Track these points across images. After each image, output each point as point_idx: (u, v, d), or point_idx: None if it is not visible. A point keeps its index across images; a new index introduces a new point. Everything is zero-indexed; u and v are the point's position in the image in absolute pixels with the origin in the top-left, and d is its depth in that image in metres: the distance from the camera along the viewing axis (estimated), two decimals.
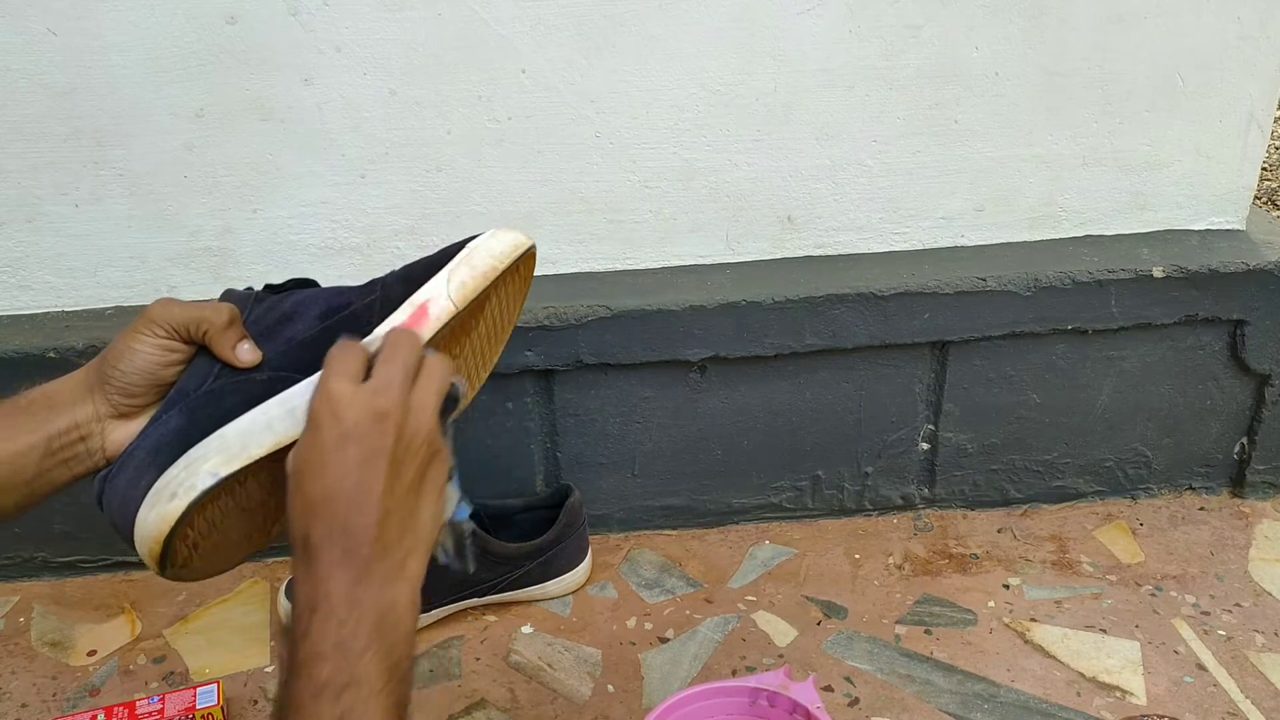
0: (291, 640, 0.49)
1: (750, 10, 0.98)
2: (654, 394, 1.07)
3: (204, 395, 0.57)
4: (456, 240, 0.63)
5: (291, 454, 0.51)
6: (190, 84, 0.97)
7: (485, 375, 0.69)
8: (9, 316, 1.05)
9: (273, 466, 0.55)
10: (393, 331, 0.55)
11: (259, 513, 0.58)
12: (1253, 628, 0.98)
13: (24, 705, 0.94)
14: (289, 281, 0.63)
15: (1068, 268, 1.04)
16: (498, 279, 0.62)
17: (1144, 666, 0.93)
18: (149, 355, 0.57)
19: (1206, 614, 1.00)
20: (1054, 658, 0.95)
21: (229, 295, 0.61)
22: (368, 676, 0.48)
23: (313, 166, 1.01)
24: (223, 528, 0.56)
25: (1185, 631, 0.98)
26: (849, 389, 1.09)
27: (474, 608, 1.03)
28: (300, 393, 0.56)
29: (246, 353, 0.58)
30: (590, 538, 1.08)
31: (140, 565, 1.11)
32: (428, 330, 0.59)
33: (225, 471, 0.54)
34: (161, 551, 0.54)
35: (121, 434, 0.58)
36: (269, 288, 0.62)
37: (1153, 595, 1.02)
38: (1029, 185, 1.08)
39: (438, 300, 0.60)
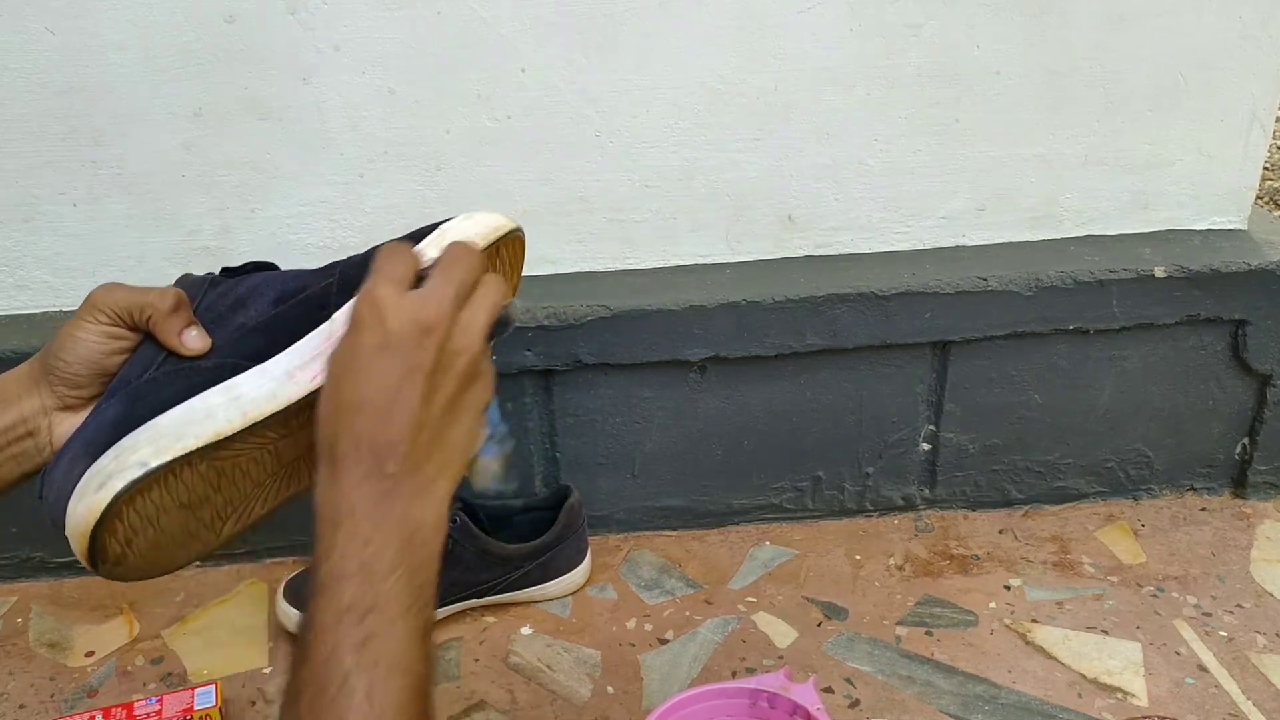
0: (314, 557, 0.47)
1: (751, 9, 0.97)
2: (654, 394, 1.07)
3: (145, 383, 0.54)
4: (430, 222, 0.59)
5: (330, 356, 0.50)
6: (188, 83, 0.96)
7: None
8: (7, 316, 1.05)
9: (216, 460, 0.52)
10: (451, 245, 0.53)
11: (203, 509, 0.54)
12: (1254, 629, 0.97)
13: (21, 706, 0.94)
14: (246, 265, 0.60)
15: (1069, 267, 1.04)
16: None
17: (1145, 668, 0.93)
18: (93, 344, 0.55)
19: (1208, 615, 1.00)
20: (1055, 659, 0.95)
21: (184, 280, 0.58)
22: (393, 599, 0.46)
23: (311, 166, 1.01)
24: (159, 524, 0.53)
25: (1187, 632, 0.97)
26: (850, 389, 1.08)
27: (473, 609, 1.03)
28: (247, 381, 0.53)
29: (193, 340, 0.55)
30: (590, 538, 1.08)
31: None
32: None
33: (156, 462, 0.50)
34: (89, 545, 0.51)
35: (68, 426, 0.55)
36: (225, 271, 0.59)
37: (1154, 596, 1.02)
38: (1030, 185, 1.08)
39: None
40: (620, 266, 1.09)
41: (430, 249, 0.55)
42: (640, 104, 1.01)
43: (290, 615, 1.00)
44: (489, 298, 0.52)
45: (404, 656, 0.46)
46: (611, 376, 1.05)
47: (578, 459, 1.10)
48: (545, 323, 1.01)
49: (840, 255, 1.09)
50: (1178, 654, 0.95)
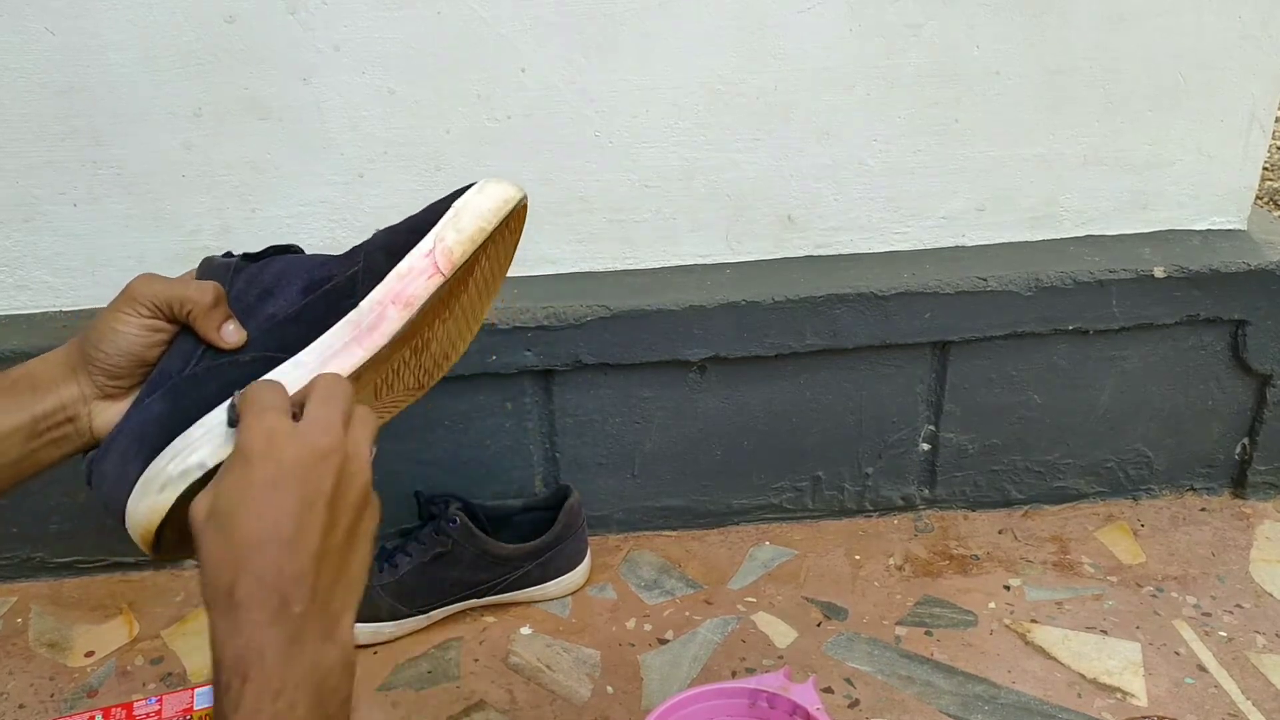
0: (219, 708, 0.44)
1: (751, 9, 0.97)
2: (654, 394, 1.07)
3: (187, 379, 0.55)
4: (440, 197, 0.59)
5: (208, 494, 0.47)
6: (188, 83, 0.96)
7: (475, 331, 0.66)
8: (7, 316, 1.05)
9: None
10: (322, 375, 0.52)
11: None
12: (1254, 629, 0.97)
13: (21, 706, 0.94)
14: (268, 249, 0.60)
15: (1069, 268, 1.04)
16: (486, 240, 0.58)
17: (1145, 668, 0.93)
18: (133, 336, 0.55)
19: (1208, 615, 1.00)
20: (1055, 659, 0.95)
21: (208, 264, 0.59)
22: None
23: (311, 166, 1.01)
24: None
25: (1186, 632, 0.97)
26: (849, 389, 1.08)
27: (473, 609, 1.03)
28: (284, 374, 0.54)
29: (231, 334, 0.56)
30: (589, 539, 1.08)
31: (139, 566, 1.11)
32: (416, 302, 0.56)
33: (213, 463, 0.52)
34: (154, 540, 0.53)
35: (109, 414, 0.56)
36: (246, 256, 0.60)
37: (1154, 596, 1.02)
38: (1030, 185, 1.08)
39: (424, 270, 0.56)
40: (620, 266, 1.09)
41: (292, 378, 0.54)
42: (640, 104, 1.01)
43: None
44: (370, 423, 0.51)
45: None
46: (611, 376, 1.05)
47: (577, 459, 1.10)
48: (545, 323, 1.01)
49: (840, 255, 1.09)
50: (1177, 654, 0.95)
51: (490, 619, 1.03)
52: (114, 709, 0.87)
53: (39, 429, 0.55)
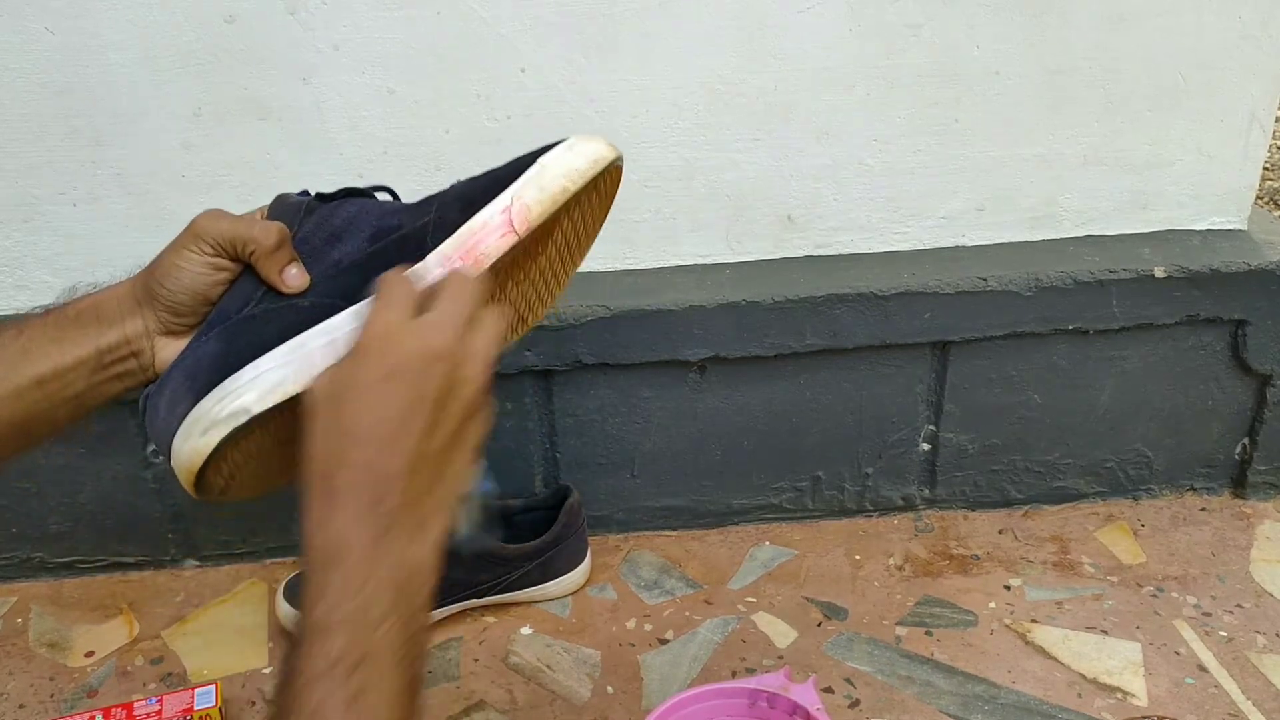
0: (306, 596, 0.45)
1: (750, 9, 0.97)
2: (654, 394, 1.07)
3: (243, 320, 0.54)
4: (529, 151, 0.56)
5: (321, 381, 0.48)
6: (188, 83, 0.96)
7: (556, 296, 0.64)
8: (7, 316, 1.05)
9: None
10: (454, 272, 0.51)
11: (299, 443, 0.56)
12: (1254, 629, 0.97)
13: (21, 706, 0.94)
14: (341, 191, 0.59)
15: (1069, 267, 1.04)
16: (570, 201, 0.55)
17: (1145, 668, 0.93)
18: (197, 274, 0.55)
19: (1208, 615, 1.00)
20: (1055, 659, 0.95)
21: (281, 202, 0.58)
22: (385, 651, 0.44)
23: (311, 166, 1.01)
24: (260, 458, 0.55)
25: (1186, 632, 0.97)
26: (849, 389, 1.08)
27: (473, 609, 1.03)
28: (341, 324, 0.53)
29: (294, 278, 0.55)
30: (590, 539, 1.08)
31: (139, 566, 1.11)
32: (486, 261, 0.54)
33: (260, 409, 0.51)
34: (196, 481, 0.53)
35: (171, 351, 0.56)
36: (320, 196, 0.58)
37: (1154, 596, 1.02)
38: (1030, 185, 1.08)
39: (498, 228, 0.54)
40: (620, 266, 1.09)
41: (427, 274, 0.52)
42: (640, 104, 1.01)
43: (290, 615, 1.00)
44: (495, 328, 0.50)
45: (393, 713, 0.44)
46: (611, 376, 1.05)
47: (577, 459, 1.10)
48: (545, 323, 1.01)
49: (840, 255, 1.09)
50: (1177, 654, 0.95)
51: (490, 619, 1.03)
52: (114, 709, 0.88)
53: (104, 361, 0.55)
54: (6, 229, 1.01)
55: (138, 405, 0.56)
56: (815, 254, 1.10)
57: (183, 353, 0.55)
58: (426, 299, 0.50)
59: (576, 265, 0.63)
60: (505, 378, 1.04)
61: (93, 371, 0.55)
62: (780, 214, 1.07)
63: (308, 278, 0.55)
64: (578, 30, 0.97)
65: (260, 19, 0.94)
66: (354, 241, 0.56)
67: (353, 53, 0.96)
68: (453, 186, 0.57)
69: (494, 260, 0.55)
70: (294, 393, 0.52)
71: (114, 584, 1.10)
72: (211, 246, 0.55)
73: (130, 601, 1.07)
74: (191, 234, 0.55)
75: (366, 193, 0.59)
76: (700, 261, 1.09)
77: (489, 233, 0.55)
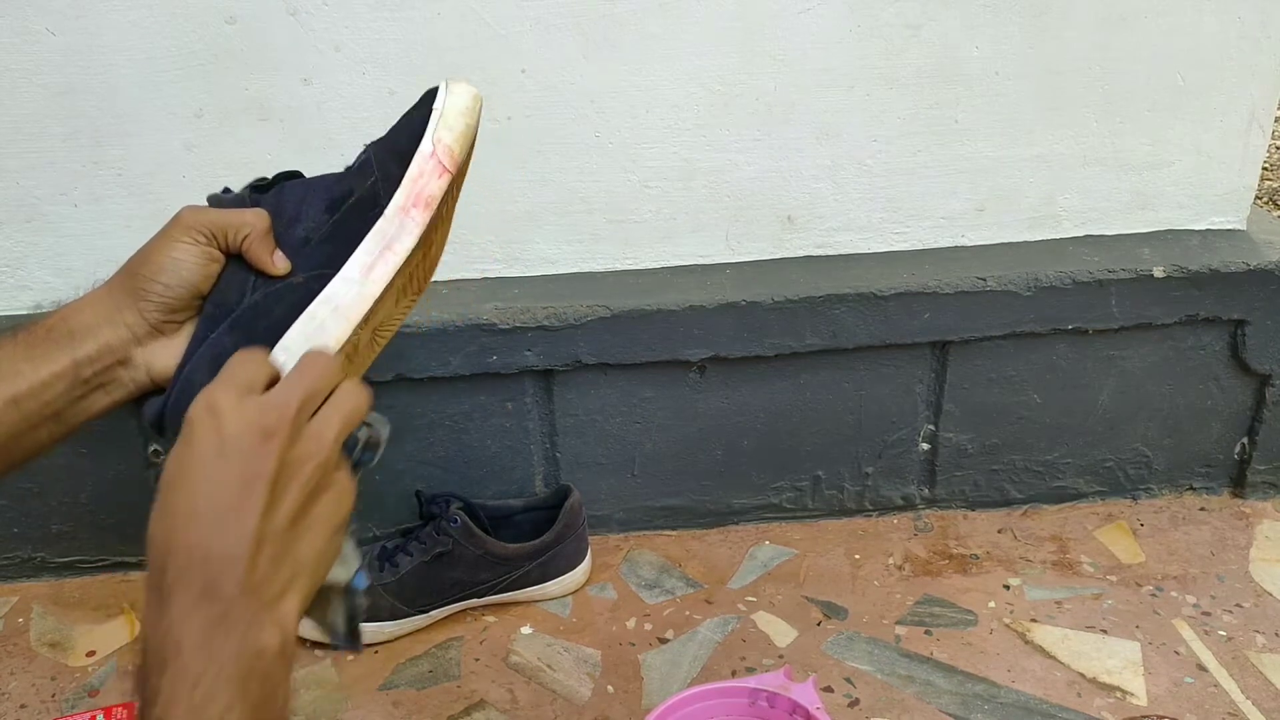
0: (140, 701, 0.42)
1: (750, 9, 0.97)
2: (654, 394, 1.07)
3: (250, 308, 0.55)
4: (413, 105, 0.61)
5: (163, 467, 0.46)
6: (189, 84, 0.96)
7: (449, 231, 0.67)
8: (8, 316, 1.05)
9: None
10: (307, 354, 0.50)
11: None
12: (1253, 628, 0.97)
13: (23, 706, 0.94)
14: (275, 177, 0.60)
15: (1068, 268, 1.04)
16: (474, 133, 0.61)
17: (1144, 667, 0.93)
18: (193, 265, 0.54)
19: (1207, 614, 1.00)
20: (1054, 658, 0.95)
21: (217, 200, 0.59)
22: None
23: (312, 166, 0.99)
24: None
25: (1186, 632, 0.97)
26: (849, 389, 1.09)
27: (473, 608, 1.03)
28: (339, 289, 0.56)
29: (281, 260, 0.55)
30: (590, 538, 1.08)
31: (140, 566, 1.11)
32: (434, 202, 0.58)
33: None
34: None
35: (166, 354, 0.54)
36: (254, 188, 0.60)
37: (1153, 596, 1.02)
38: (1029, 185, 1.08)
39: (433, 170, 0.58)
40: (620, 266, 1.09)
41: (287, 355, 0.54)
42: (640, 104, 1.01)
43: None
44: (344, 405, 0.48)
45: None
46: (611, 376, 1.06)
47: (578, 459, 1.10)
48: (545, 323, 1.01)
49: (840, 255, 1.09)
50: (1177, 653, 0.95)
51: (491, 618, 1.03)
52: (115, 709, 0.88)
53: (83, 375, 0.53)
54: (8, 229, 1.02)
55: (146, 421, 0.55)
56: (815, 254, 1.10)
57: (194, 352, 0.55)
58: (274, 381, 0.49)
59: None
60: (505, 377, 1.04)
61: (71, 386, 0.53)
62: (780, 214, 1.07)
63: (288, 260, 0.56)
64: (578, 30, 0.97)
65: (261, 20, 0.94)
66: (312, 217, 0.58)
67: (353, 53, 0.96)
68: (372, 149, 0.60)
69: (438, 200, 0.58)
70: None
71: (115, 584, 1.10)
72: (205, 236, 0.54)
73: (131, 601, 1.07)
74: (181, 226, 0.54)
75: (293, 174, 0.61)
76: (700, 261, 1.09)
77: (428, 176, 0.58)
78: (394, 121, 0.61)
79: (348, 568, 0.52)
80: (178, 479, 0.45)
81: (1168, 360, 1.09)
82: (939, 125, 1.04)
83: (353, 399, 0.49)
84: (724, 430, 1.09)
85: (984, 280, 1.03)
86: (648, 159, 1.03)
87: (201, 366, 0.54)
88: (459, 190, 0.63)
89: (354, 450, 0.51)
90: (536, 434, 1.08)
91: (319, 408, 0.48)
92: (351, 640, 0.54)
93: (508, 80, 0.99)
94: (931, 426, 1.12)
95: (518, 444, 1.08)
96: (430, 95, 0.61)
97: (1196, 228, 1.12)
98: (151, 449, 1.06)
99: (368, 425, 0.52)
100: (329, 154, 1.00)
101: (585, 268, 1.09)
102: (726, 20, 0.98)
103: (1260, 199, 2.12)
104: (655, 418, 1.08)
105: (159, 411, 0.55)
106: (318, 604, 0.51)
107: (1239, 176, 1.09)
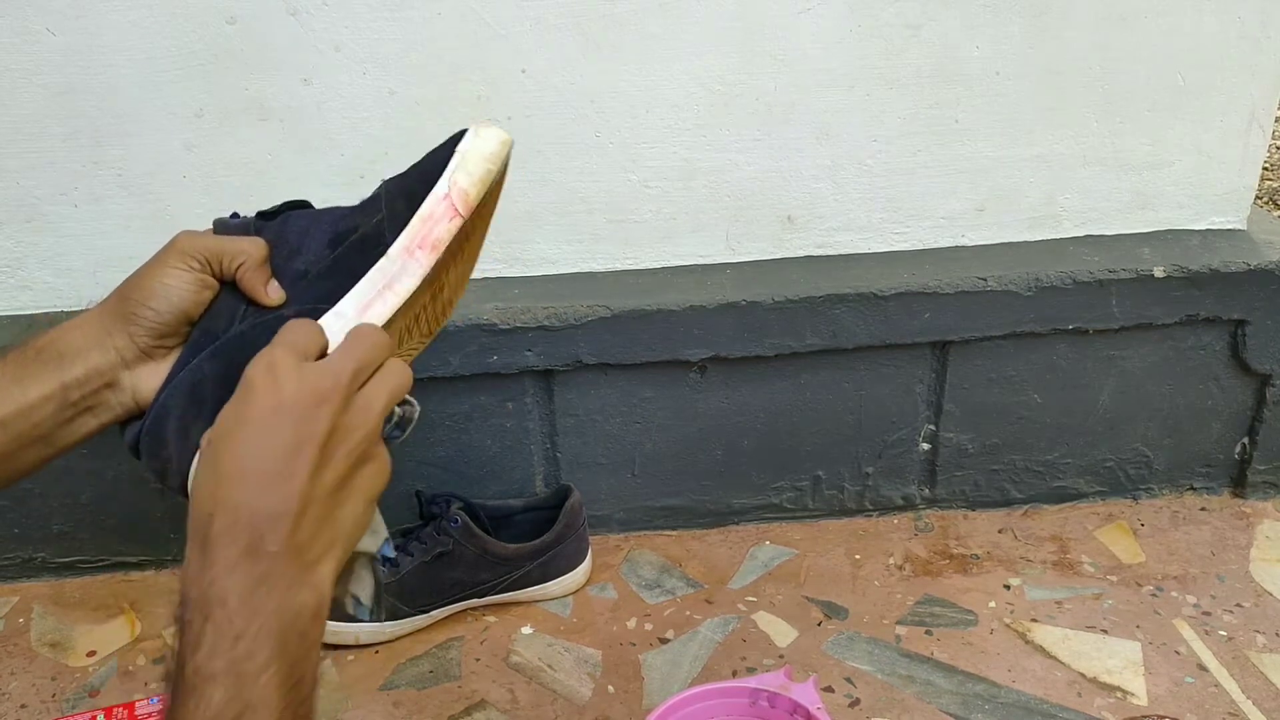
0: (180, 644, 0.43)
1: (750, 10, 0.97)
2: (654, 394, 1.07)
3: (235, 338, 0.55)
4: (439, 145, 0.60)
5: (216, 420, 0.47)
6: (189, 84, 0.96)
7: (470, 275, 0.67)
8: (8, 317, 1.05)
9: None
10: (358, 325, 0.52)
11: None
12: (1254, 628, 0.97)
13: (23, 706, 0.94)
14: (282, 205, 0.60)
15: (1069, 268, 1.04)
16: (496, 180, 0.60)
17: (1145, 667, 0.93)
18: (186, 292, 0.54)
19: (1208, 614, 1.00)
20: (1055, 658, 0.95)
21: (222, 225, 0.59)
22: (265, 701, 0.42)
23: (312, 166, 1.01)
24: None
25: (1186, 632, 0.97)
26: (849, 389, 1.09)
27: (474, 608, 1.03)
28: (329, 324, 0.55)
29: (275, 290, 0.55)
30: (590, 538, 1.08)
31: (140, 566, 1.11)
32: (441, 245, 0.57)
33: None
34: None
35: (153, 379, 0.54)
36: (261, 215, 0.59)
37: (1154, 595, 1.02)
38: (1030, 185, 1.08)
39: (445, 214, 0.57)
40: (620, 266, 1.09)
41: (337, 327, 0.54)
42: (640, 104, 1.01)
43: None
44: (390, 380, 0.50)
45: None
46: (611, 376, 1.06)
47: (578, 459, 1.10)
48: (545, 323, 1.01)
49: (840, 255, 1.09)
50: (1177, 653, 0.95)
51: (491, 618, 1.03)
52: (116, 709, 0.88)
53: (71, 398, 0.53)
54: (8, 229, 1.02)
55: (127, 445, 0.55)
56: (815, 254, 1.10)
57: (172, 379, 0.54)
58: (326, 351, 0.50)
59: (484, 241, 0.66)
60: (505, 377, 1.04)
61: (60, 408, 0.53)
62: (780, 214, 1.07)
63: (283, 292, 0.56)
64: (578, 30, 0.97)
65: (261, 20, 0.94)
66: (314, 250, 0.57)
67: (353, 53, 0.96)
68: (386, 185, 0.59)
69: (447, 244, 0.57)
70: None
71: (116, 584, 1.10)
72: (199, 263, 0.54)
73: (132, 601, 1.07)
74: (176, 252, 0.54)
75: (302, 204, 0.61)
76: (700, 261, 1.09)
77: (438, 219, 0.57)
78: (417, 160, 0.60)
79: (376, 538, 0.53)
80: (232, 434, 0.45)
81: (1168, 360, 1.09)
82: (939, 125, 1.04)
83: (399, 375, 0.51)
84: (724, 430, 1.09)
85: (984, 280, 1.03)
86: (648, 159, 1.03)
87: (178, 393, 0.54)
88: (481, 235, 0.63)
89: (387, 426, 0.52)
90: (536, 434, 1.08)
91: (368, 380, 0.49)
92: (376, 609, 0.55)
93: (508, 80, 0.99)
94: (932, 426, 1.12)
95: (518, 444, 1.08)
96: (457, 136, 0.60)
97: (1197, 228, 1.12)
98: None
99: (403, 403, 0.53)
100: (329, 154, 1.01)
101: (585, 268, 1.09)
102: (726, 20, 0.98)
103: (1260, 199, 2.12)
104: (655, 418, 1.08)
105: (136, 436, 0.55)
106: (342, 573, 0.51)
107: (1239, 176, 1.09)
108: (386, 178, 0.60)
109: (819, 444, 1.11)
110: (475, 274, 1.09)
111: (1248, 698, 0.89)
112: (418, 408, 0.53)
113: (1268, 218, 1.15)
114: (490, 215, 0.64)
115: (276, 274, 0.57)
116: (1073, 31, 1.01)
